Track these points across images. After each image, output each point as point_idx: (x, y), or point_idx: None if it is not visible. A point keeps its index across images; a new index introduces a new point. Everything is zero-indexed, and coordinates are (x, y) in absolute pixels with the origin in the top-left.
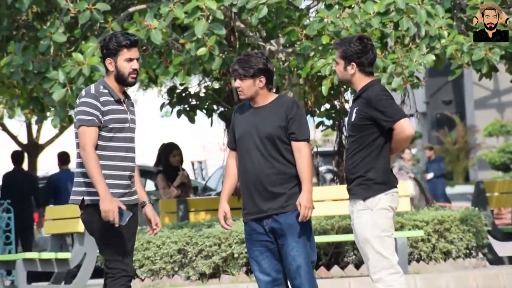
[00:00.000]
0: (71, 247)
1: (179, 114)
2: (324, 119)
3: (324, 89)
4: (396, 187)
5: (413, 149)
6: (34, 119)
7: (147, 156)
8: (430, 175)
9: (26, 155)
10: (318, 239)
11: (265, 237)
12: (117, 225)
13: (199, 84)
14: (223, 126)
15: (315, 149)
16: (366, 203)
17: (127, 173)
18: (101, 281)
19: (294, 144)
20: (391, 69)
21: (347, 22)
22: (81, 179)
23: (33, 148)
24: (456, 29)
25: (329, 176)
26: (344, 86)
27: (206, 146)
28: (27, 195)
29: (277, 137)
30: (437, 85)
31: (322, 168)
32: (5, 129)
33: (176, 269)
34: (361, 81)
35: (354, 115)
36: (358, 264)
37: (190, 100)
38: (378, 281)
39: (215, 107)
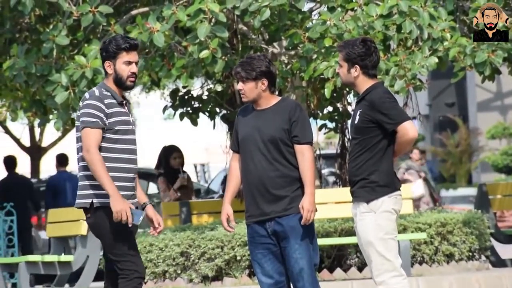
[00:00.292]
0: (74, 249)
1: (181, 116)
2: (327, 121)
3: (327, 92)
4: (399, 189)
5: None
6: (36, 122)
7: (149, 158)
8: None
9: (29, 157)
10: (321, 241)
11: (267, 240)
12: (130, 225)
13: (201, 87)
14: (226, 129)
15: (317, 152)
16: (369, 206)
17: (132, 175)
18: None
19: (297, 147)
20: (394, 71)
21: (349, 25)
22: (87, 182)
23: (35, 150)
24: (459, 31)
25: (331, 179)
26: (347, 89)
27: (208, 149)
28: (24, 199)
29: (280, 140)
30: (440, 87)
31: (325, 171)
32: (8, 132)
33: (179, 271)
34: (364, 83)
35: (357, 117)
36: (361, 266)
37: (192, 102)
38: (381, 284)
39: (217, 109)
